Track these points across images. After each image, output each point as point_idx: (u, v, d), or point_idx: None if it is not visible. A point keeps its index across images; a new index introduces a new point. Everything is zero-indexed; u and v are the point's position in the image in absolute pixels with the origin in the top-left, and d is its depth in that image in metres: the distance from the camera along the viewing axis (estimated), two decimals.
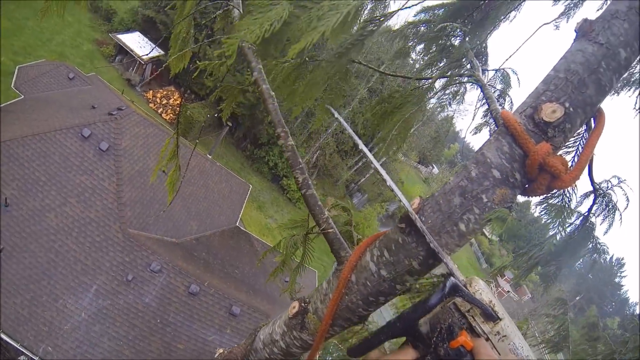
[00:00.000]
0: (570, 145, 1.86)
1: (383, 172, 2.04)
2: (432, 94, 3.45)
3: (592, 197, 2.34)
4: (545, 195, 1.69)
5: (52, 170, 16.01)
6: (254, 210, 33.82)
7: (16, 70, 22.40)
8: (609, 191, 2.32)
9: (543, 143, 1.59)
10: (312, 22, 2.02)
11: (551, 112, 1.58)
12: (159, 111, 34.32)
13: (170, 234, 18.20)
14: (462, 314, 1.47)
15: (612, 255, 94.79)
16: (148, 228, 17.15)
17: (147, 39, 35.70)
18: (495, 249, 73.04)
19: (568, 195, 2.12)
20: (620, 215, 2.34)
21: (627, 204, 2.34)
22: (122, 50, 34.63)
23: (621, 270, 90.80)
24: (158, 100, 34.89)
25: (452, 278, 1.51)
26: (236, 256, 20.07)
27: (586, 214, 2.39)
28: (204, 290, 16.08)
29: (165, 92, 35.18)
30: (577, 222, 2.35)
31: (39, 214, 15.25)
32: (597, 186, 2.31)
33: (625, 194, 2.31)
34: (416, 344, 1.48)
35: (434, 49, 3.25)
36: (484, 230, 2.86)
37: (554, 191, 1.66)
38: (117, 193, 16.52)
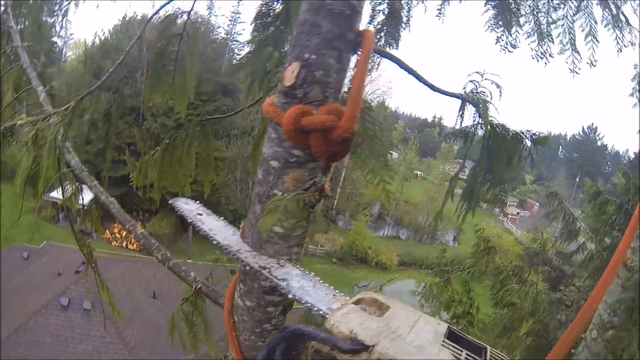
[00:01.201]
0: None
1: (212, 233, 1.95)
2: None
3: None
4: (343, 150, 1.55)
5: (51, 352, 15.34)
6: None
7: None
8: (476, 93, 2.50)
9: (292, 109, 1.49)
10: None
11: (291, 73, 1.50)
12: (124, 245, 33.93)
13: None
14: (326, 356, 1.32)
15: (582, 127, 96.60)
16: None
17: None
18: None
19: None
20: (500, 95, 2.54)
21: (499, 88, 2.52)
22: (63, 208, 34.03)
23: (596, 134, 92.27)
24: (117, 235, 34.32)
25: (288, 328, 1.47)
26: None
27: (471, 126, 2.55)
28: None
29: (120, 225, 34.62)
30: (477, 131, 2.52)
31: None
32: (460, 95, 2.47)
33: (493, 82, 2.52)
34: None
35: None
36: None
37: (351, 138, 1.50)
38: (122, 340, 15.97)
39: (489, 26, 2.63)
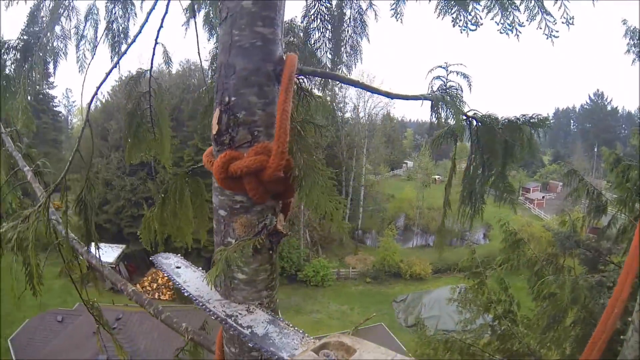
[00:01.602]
0: None
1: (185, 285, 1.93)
2: None
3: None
4: (287, 186, 1.48)
5: None
6: (294, 316, 33.05)
7: (9, 344, 22.29)
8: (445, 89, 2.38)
9: (218, 157, 1.46)
10: None
11: (215, 121, 1.44)
12: (156, 296, 33.94)
13: None
14: None
15: (589, 95, 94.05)
16: None
17: (102, 244, 35.86)
18: None
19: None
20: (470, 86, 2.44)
21: (469, 81, 2.44)
22: (89, 267, 34.59)
23: (604, 99, 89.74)
24: (148, 287, 34.60)
25: None
26: None
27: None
28: None
29: (150, 277, 34.93)
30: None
31: None
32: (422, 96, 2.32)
33: (459, 73, 2.42)
34: None
35: None
36: None
37: (289, 174, 1.43)
38: None
39: (440, 9, 2.40)
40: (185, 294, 1.81)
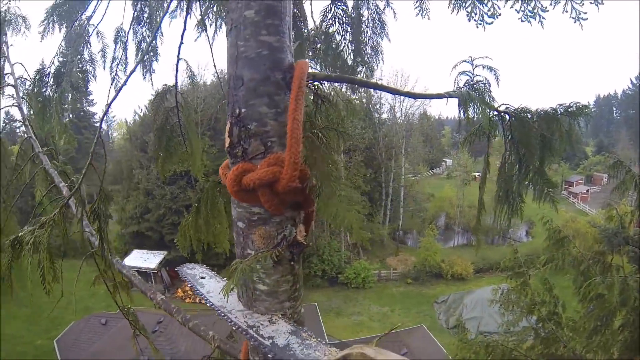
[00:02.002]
0: None
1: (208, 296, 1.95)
2: None
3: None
4: (305, 196, 1.45)
5: None
6: (335, 319, 33.02)
7: (55, 345, 23.29)
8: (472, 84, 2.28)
9: (231, 171, 1.45)
10: None
11: (227, 133, 1.42)
12: (197, 300, 34.60)
13: None
14: None
15: (630, 79, 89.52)
16: None
17: (144, 250, 38.31)
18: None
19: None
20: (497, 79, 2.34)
21: (496, 75, 2.34)
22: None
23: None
24: (190, 292, 35.27)
25: None
26: None
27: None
28: None
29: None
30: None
31: None
32: (447, 94, 2.20)
33: (487, 67, 2.33)
34: None
35: None
36: None
37: (305, 184, 1.40)
38: None
39: (453, 5, 2.26)
40: (208, 305, 1.82)
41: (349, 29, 2.58)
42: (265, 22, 1.43)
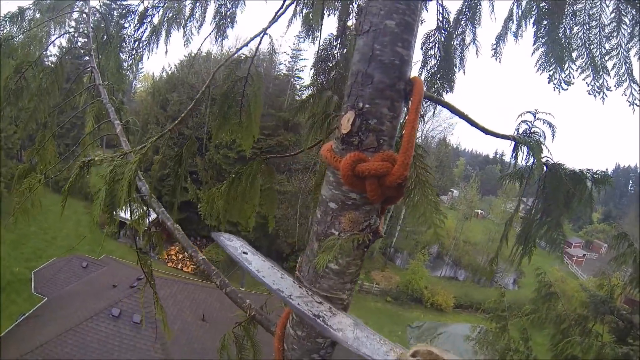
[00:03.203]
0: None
1: (260, 275, 1.95)
2: None
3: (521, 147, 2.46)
4: (397, 194, 1.62)
5: (95, 357, 16.00)
6: None
7: (32, 276, 23.11)
8: (529, 134, 2.47)
9: (348, 155, 1.58)
10: None
11: (347, 122, 1.58)
12: (179, 267, 34.98)
13: None
14: None
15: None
16: None
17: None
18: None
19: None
20: (553, 134, 2.48)
21: (552, 127, 2.48)
22: (124, 225, 35.86)
23: None
24: (174, 257, 35.62)
25: None
26: None
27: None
28: None
29: (178, 247, 35.73)
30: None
31: None
32: (512, 137, 2.43)
33: (545, 121, 2.48)
34: None
35: None
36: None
37: (404, 183, 1.57)
38: (167, 356, 16.28)
39: (540, 65, 2.53)
40: (267, 287, 1.84)
41: (444, 56, 2.75)
42: (402, 35, 1.58)
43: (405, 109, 1.66)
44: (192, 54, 33.36)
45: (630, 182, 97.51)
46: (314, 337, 1.92)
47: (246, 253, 2.02)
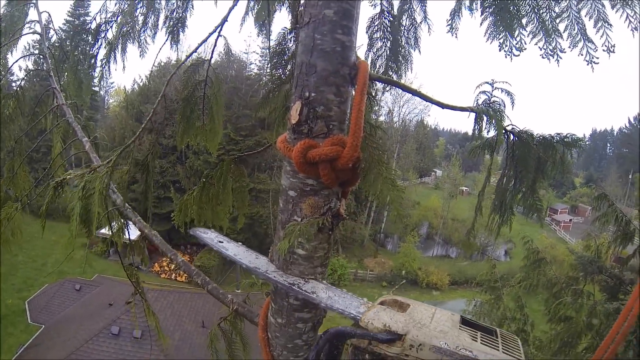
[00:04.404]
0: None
1: (237, 258, 2.11)
2: None
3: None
4: (353, 176, 1.67)
5: None
6: None
7: (26, 306, 22.89)
8: (489, 104, 2.56)
9: (298, 144, 1.64)
10: None
11: (295, 112, 1.64)
12: (172, 277, 34.83)
13: None
14: (365, 350, 1.65)
15: (628, 118, 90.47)
16: None
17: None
18: None
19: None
20: (513, 102, 2.61)
21: (511, 98, 2.60)
22: (112, 243, 35.48)
23: None
24: (166, 267, 35.47)
25: (330, 330, 1.71)
26: None
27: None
28: None
29: (169, 258, 35.53)
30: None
31: None
32: (470, 108, 2.47)
33: (504, 90, 2.59)
34: None
35: None
36: None
37: (357, 165, 1.62)
38: None
39: (489, 34, 2.55)
40: (243, 267, 2.00)
41: (390, 38, 2.80)
42: (341, 22, 1.63)
43: (353, 92, 1.71)
44: (162, 63, 33.10)
45: (608, 144, 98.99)
46: (294, 323, 1.99)
47: (222, 242, 2.23)
